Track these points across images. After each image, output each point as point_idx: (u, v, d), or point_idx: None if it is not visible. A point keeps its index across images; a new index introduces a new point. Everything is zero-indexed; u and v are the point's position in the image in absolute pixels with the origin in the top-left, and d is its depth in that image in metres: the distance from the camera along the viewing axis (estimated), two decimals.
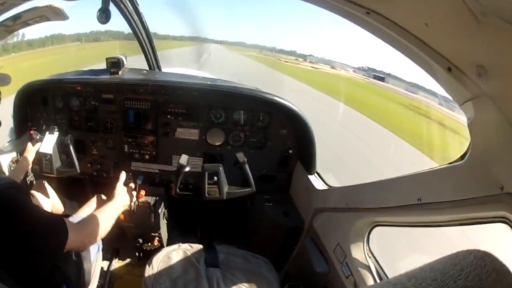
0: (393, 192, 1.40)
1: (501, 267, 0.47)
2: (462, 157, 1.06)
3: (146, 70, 2.84)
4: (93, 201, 2.13)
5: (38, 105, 2.49)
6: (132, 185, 2.23)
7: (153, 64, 2.90)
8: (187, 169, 2.05)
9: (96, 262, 1.92)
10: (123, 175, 2.15)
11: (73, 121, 2.48)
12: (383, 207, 1.45)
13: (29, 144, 2.20)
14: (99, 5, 1.67)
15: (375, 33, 1.10)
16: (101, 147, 2.48)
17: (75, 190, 2.64)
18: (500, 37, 0.76)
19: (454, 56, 0.91)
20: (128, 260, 2.68)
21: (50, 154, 2.17)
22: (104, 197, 2.18)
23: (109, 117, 2.42)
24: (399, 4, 0.93)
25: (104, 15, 1.73)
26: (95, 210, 1.89)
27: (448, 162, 1.12)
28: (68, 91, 2.43)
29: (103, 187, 2.29)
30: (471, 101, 0.93)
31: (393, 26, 0.98)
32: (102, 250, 2.02)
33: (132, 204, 2.21)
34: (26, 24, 1.89)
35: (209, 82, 2.39)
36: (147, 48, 2.75)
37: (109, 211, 1.84)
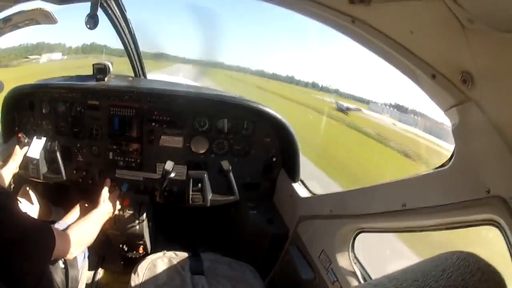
0: (377, 198, 1.42)
1: (487, 267, 0.47)
2: (447, 162, 1.07)
3: (131, 77, 2.84)
4: (78, 208, 2.12)
5: (25, 109, 2.46)
6: (117, 192, 2.24)
7: (138, 71, 2.90)
8: (172, 175, 2.09)
9: (82, 270, 1.89)
10: (108, 183, 2.18)
11: (59, 126, 2.44)
12: (367, 214, 1.48)
13: (17, 147, 2.19)
14: (82, 10, 1.67)
15: (360, 41, 1.11)
16: (87, 153, 2.45)
17: (61, 196, 2.60)
18: (487, 43, 0.78)
19: (439, 63, 0.93)
20: (113, 268, 2.63)
21: (37, 159, 2.17)
22: (88, 204, 2.15)
23: (95, 123, 2.40)
24: (383, 12, 0.95)
25: (92, 21, 1.73)
26: (80, 217, 1.89)
27: (433, 168, 1.13)
28: (55, 96, 2.40)
29: (88, 194, 2.27)
30: (456, 107, 0.95)
31: (378, 34, 1.00)
32: (88, 257, 1.99)
33: (117, 211, 2.20)
34: (16, 26, 1.86)
35: (193, 90, 2.40)
36: (133, 55, 2.75)
37: (95, 218, 1.84)
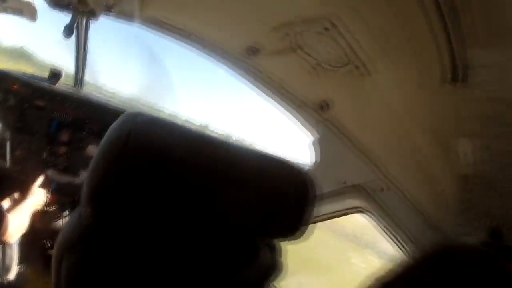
0: None
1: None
2: (311, 167, 1.38)
3: (73, 86, 2.95)
4: (9, 198, 2.10)
5: None
6: (46, 189, 2.30)
7: (79, 82, 3.01)
8: None
9: (15, 254, 1.97)
10: (39, 178, 2.26)
11: (7, 118, 2.47)
12: None
13: None
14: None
15: (252, 83, 1.42)
16: (25, 149, 2.51)
17: None
18: (332, 78, 1.11)
19: (303, 95, 1.28)
20: (35, 263, 2.54)
21: None
22: (18, 197, 2.15)
23: (37, 122, 2.51)
24: (269, 62, 1.27)
25: (68, 31, 1.89)
26: (14, 206, 1.89)
27: None
28: (10, 88, 2.46)
29: (19, 187, 2.26)
30: (316, 126, 1.29)
31: (264, 77, 1.33)
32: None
33: (43, 206, 2.26)
34: (4, 9, 1.88)
35: (126, 108, 2.59)
36: (80, 66, 2.88)
37: (27, 209, 1.94)
